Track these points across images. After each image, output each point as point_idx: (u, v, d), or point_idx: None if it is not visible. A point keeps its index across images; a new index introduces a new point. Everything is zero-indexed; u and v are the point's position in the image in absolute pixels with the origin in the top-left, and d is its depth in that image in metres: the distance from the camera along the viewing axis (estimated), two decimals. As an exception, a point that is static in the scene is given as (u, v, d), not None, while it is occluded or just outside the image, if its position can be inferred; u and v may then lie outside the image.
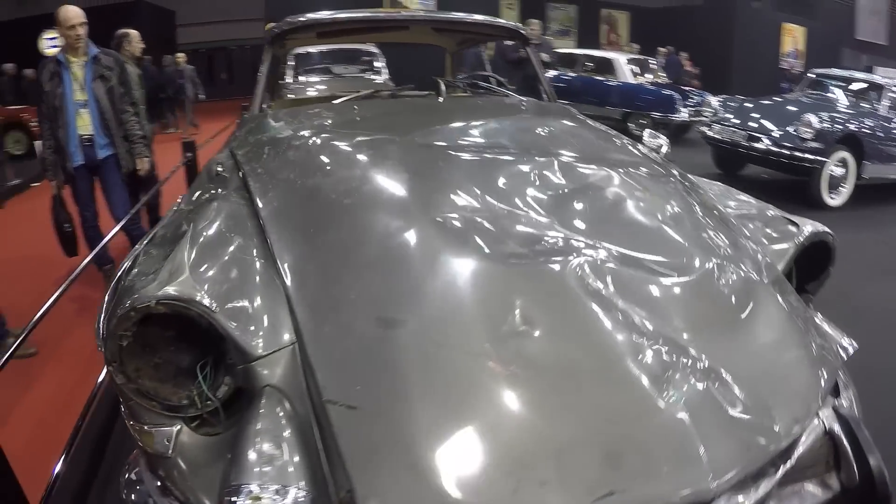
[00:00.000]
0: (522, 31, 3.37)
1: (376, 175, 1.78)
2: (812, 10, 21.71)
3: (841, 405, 1.50)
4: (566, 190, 1.73)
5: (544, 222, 1.56)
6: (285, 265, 1.44)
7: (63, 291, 2.30)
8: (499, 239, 1.48)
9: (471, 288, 1.37)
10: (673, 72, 14.19)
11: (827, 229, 1.95)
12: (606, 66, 12.25)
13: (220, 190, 1.97)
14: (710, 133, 7.72)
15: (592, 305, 1.32)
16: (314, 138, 2.09)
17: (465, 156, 1.92)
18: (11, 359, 3.16)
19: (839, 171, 6.73)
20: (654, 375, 1.21)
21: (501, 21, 3.35)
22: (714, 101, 8.04)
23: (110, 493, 2.25)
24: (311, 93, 6.71)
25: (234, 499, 1.04)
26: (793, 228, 1.93)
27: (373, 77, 8.58)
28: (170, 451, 1.29)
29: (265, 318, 1.32)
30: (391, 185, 1.72)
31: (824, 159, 6.50)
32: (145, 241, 1.73)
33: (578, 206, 1.67)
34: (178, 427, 1.30)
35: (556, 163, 1.85)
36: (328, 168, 1.88)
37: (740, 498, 1.19)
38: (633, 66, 12.13)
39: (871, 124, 6.91)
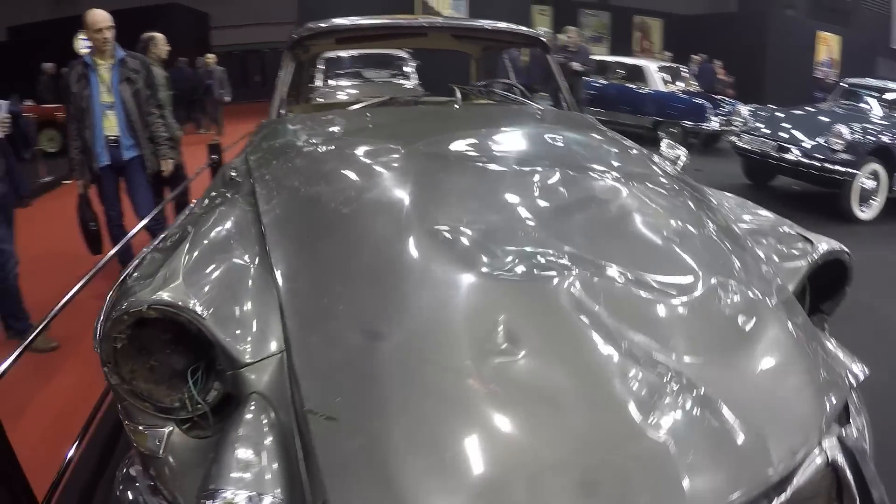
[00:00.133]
0: (542, 39, 3.35)
1: (375, 185, 1.78)
2: (847, 19, 21.35)
3: (848, 434, 1.44)
4: (568, 203, 1.70)
5: (541, 236, 1.53)
6: (280, 273, 1.45)
7: (82, 287, 2.36)
8: (492, 253, 1.45)
9: (458, 303, 1.34)
10: (706, 80, 14.03)
11: (843, 247, 1.86)
12: (637, 74, 12.17)
13: (230, 195, 2.00)
14: (739, 143, 7.62)
15: (582, 324, 1.29)
16: (321, 146, 2.11)
17: (469, 166, 1.91)
18: (34, 352, 3.28)
19: (870, 183, 6.57)
20: (640, 400, 1.16)
21: (521, 28, 3.33)
22: (744, 110, 7.94)
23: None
24: (342, 96, 6.78)
25: (208, 502, 1.05)
26: (807, 246, 1.84)
27: (402, 82, 8.62)
28: (160, 452, 1.31)
29: (256, 325, 1.33)
30: (389, 195, 1.72)
31: (855, 171, 6.36)
32: (152, 245, 1.76)
33: (579, 219, 1.65)
34: (170, 429, 1.32)
35: (561, 174, 1.83)
36: (330, 176, 1.88)
37: None
38: (664, 74, 12.02)
39: (905, 136, 6.75)
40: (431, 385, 1.18)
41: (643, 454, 1.10)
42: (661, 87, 11.79)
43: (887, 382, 2.01)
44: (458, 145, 2.05)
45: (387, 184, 1.77)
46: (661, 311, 1.39)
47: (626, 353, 1.24)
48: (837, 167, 6.38)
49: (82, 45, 11.78)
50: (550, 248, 1.48)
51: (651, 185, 1.91)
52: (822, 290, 1.91)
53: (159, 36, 4.92)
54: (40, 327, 2.21)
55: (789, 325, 1.49)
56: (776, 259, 1.81)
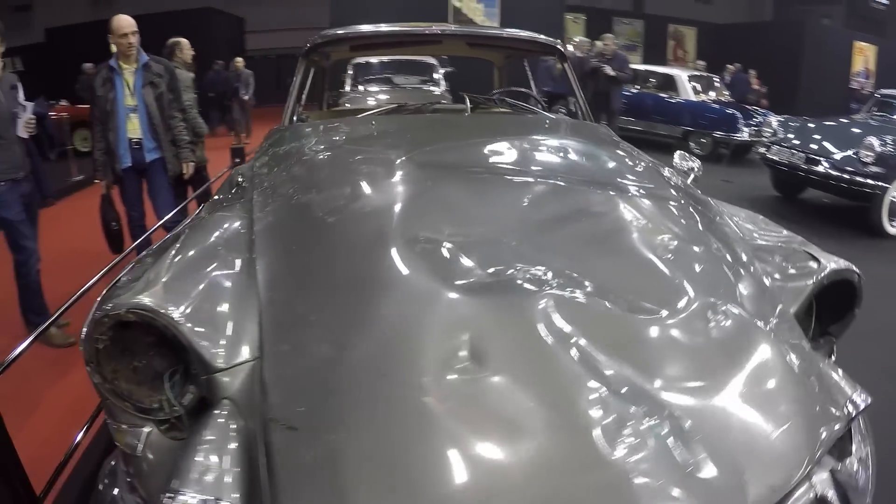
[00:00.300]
0: (559, 47, 3.32)
1: (362, 194, 1.78)
2: (884, 28, 20.88)
3: (843, 469, 1.36)
4: (559, 216, 1.67)
5: (524, 251, 1.50)
6: (262, 281, 1.46)
7: (95, 282, 2.44)
8: (469, 267, 1.43)
9: (426, 317, 1.31)
10: (739, 90, 13.85)
11: (853, 267, 1.75)
12: (668, 83, 12.08)
13: (233, 200, 2.03)
14: (768, 154, 7.47)
15: (551, 344, 1.23)
16: (319, 154, 2.12)
17: (462, 176, 1.90)
18: (52, 347, 3.38)
19: (903, 198, 6.41)
20: (605, 427, 1.09)
21: (537, 36, 3.31)
22: (774, 120, 7.79)
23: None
24: (370, 101, 6.86)
25: (167, 503, 1.06)
26: (813, 265, 1.73)
27: (432, 88, 8.70)
28: (139, 451, 1.33)
29: (232, 332, 1.34)
30: (374, 205, 1.72)
31: (886, 185, 6.19)
32: (151, 248, 1.79)
33: (567, 234, 1.61)
34: (149, 429, 1.34)
35: (556, 187, 1.81)
36: (321, 185, 1.89)
37: None
38: (695, 84, 11.89)
39: (940, 149, 6.55)
40: (390, 400, 1.17)
41: (601, 484, 1.05)
42: (692, 97, 11.66)
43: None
44: (456, 155, 2.04)
45: (374, 194, 1.77)
46: (641, 332, 1.33)
47: (597, 375, 1.18)
48: (867, 180, 6.23)
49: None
50: (531, 263, 1.44)
51: (651, 200, 1.86)
52: (831, 311, 1.82)
53: (184, 41, 5.07)
54: (50, 320, 2.30)
55: (783, 350, 1.40)
56: (780, 278, 1.73)
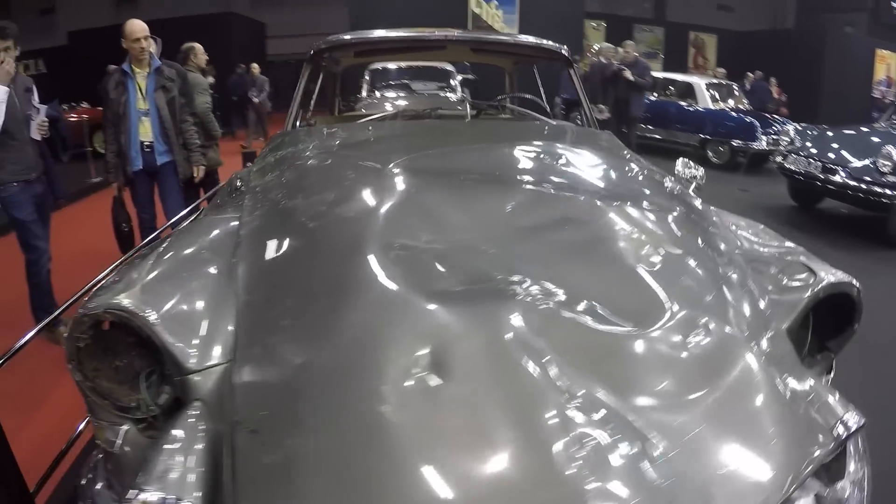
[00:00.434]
0: (564, 53, 3.31)
1: (345, 200, 1.79)
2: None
3: (830, 492, 1.29)
4: (542, 225, 1.66)
5: (502, 259, 1.49)
6: (241, 284, 1.48)
7: (99, 281, 2.46)
8: (443, 274, 1.43)
9: (393, 324, 1.30)
10: (758, 98, 13.71)
11: (852, 280, 1.67)
12: (687, 91, 12.03)
13: (229, 203, 2.05)
14: (785, 163, 7.36)
15: (517, 356, 1.19)
16: (310, 160, 2.14)
17: (448, 182, 1.89)
18: (59, 346, 3.42)
19: (921, 208, 6.28)
20: (568, 444, 1.05)
21: (542, 41, 3.31)
22: (791, 129, 7.70)
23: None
24: (387, 107, 6.92)
25: (130, 500, 1.07)
26: (810, 278, 1.66)
27: (449, 94, 8.76)
28: (116, 448, 1.36)
29: (207, 334, 1.36)
30: (355, 211, 1.72)
31: (904, 195, 6.10)
32: (143, 250, 1.82)
33: (549, 243, 1.59)
34: (127, 427, 1.37)
35: (543, 195, 1.79)
36: (307, 191, 1.91)
37: None
38: (714, 92, 11.82)
39: (960, 159, 6.42)
40: (348, 406, 1.16)
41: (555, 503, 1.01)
42: (710, 105, 11.58)
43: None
44: (446, 161, 2.05)
45: (357, 200, 1.78)
46: (614, 345, 1.28)
47: (561, 390, 1.14)
48: (885, 190, 6.12)
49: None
50: (507, 272, 1.42)
51: (643, 209, 1.82)
52: (830, 326, 1.74)
53: (198, 46, 5.15)
54: (51, 317, 2.34)
55: (768, 367, 1.34)
56: (774, 291, 1.67)
